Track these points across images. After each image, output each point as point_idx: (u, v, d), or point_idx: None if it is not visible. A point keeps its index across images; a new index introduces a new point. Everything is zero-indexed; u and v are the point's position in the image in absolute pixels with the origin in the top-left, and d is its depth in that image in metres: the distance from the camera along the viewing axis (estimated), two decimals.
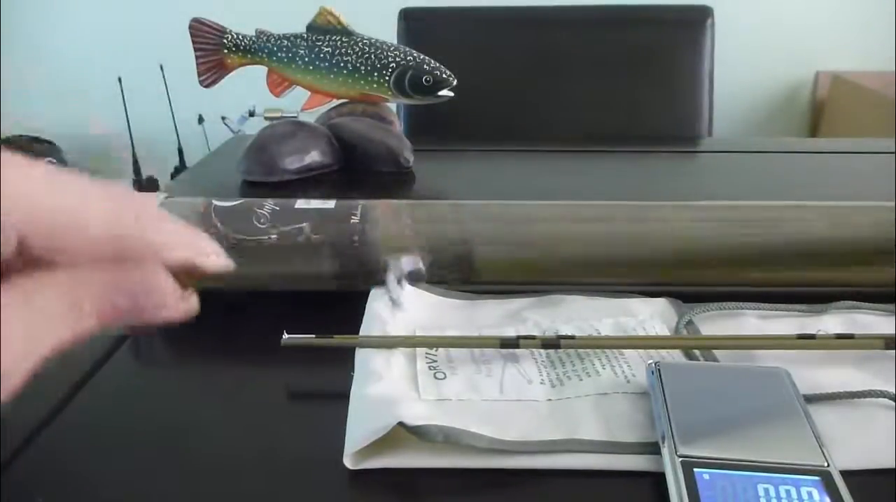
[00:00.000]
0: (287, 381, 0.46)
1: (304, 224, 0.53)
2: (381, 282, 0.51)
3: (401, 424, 0.38)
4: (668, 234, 0.54)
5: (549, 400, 0.43)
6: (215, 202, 0.55)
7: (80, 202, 0.22)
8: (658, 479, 0.37)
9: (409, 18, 1.36)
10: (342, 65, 0.82)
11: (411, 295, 0.52)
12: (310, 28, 0.84)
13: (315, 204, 0.55)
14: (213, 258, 0.26)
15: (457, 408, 0.42)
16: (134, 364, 0.50)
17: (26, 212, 0.21)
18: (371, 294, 0.52)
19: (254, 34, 0.85)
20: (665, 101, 1.35)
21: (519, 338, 0.47)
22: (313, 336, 0.46)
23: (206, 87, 0.87)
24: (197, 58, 0.86)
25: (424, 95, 0.82)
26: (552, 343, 0.46)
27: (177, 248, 0.25)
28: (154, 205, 0.24)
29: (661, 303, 0.52)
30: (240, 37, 0.85)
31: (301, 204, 0.55)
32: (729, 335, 0.49)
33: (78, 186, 0.22)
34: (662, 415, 0.39)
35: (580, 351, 0.47)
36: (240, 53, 0.85)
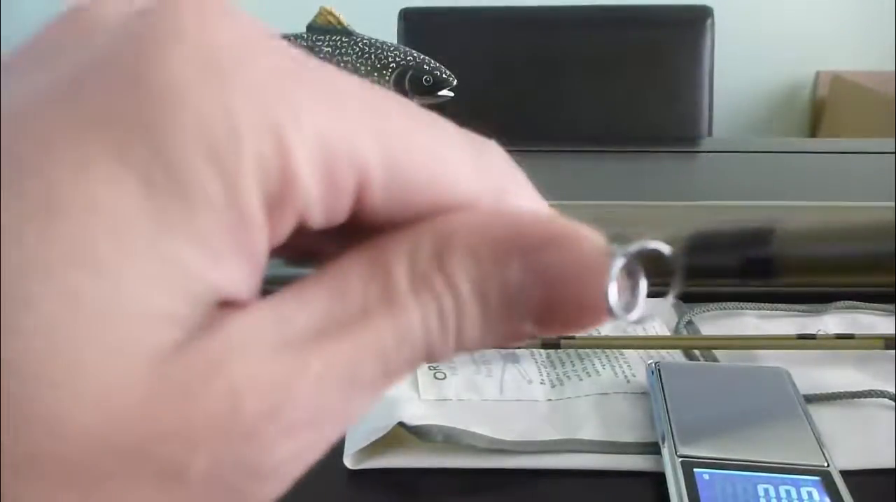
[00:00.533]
0: None
1: None
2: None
3: (401, 424, 0.38)
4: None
5: (549, 400, 0.43)
6: None
7: (439, 133, 0.15)
8: (658, 479, 0.37)
9: (409, 19, 1.36)
10: (342, 65, 0.82)
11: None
12: (310, 28, 0.84)
13: None
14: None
15: (457, 408, 0.42)
16: None
17: (385, 158, 0.13)
18: None
19: None
20: (665, 101, 1.35)
21: None
22: None
23: None
24: None
25: (424, 95, 0.82)
26: (552, 343, 0.46)
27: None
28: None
29: (661, 303, 0.52)
30: None
31: None
32: (729, 335, 0.49)
33: (423, 112, 0.15)
34: (662, 415, 0.39)
35: (580, 351, 0.47)
36: None
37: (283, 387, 0.12)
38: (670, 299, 0.15)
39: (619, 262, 0.14)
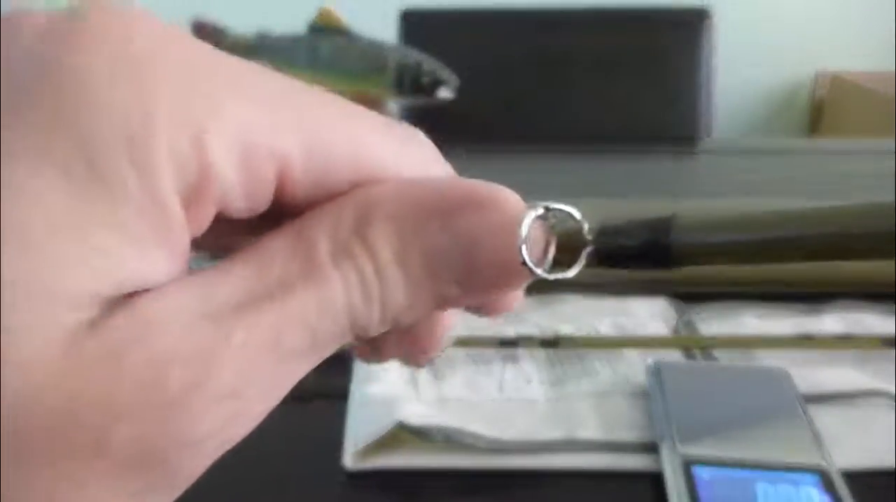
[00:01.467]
0: None
1: None
2: None
3: (401, 424, 0.38)
4: None
5: (549, 399, 0.43)
6: None
7: (360, 121, 0.15)
8: (657, 479, 0.37)
9: (409, 19, 1.36)
10: (342, 65, 0.82)
11: None
12: (310, 28, 0.84)
13: None
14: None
15: (456, 408, 0.42)
16: None
17: (304, 144, 0.14)
18: None
19: (254, 35, 0.85)
20: (665, 102, 1.35)
21: (518, 337, 0.47)
22: None
23: None
24: None
25: (424, 95, 0.82)
26: (552, 342, 0.46)
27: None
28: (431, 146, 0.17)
29: (661, 303, 0.52)
30: (241, 37, 0.85)
31: None
32: (729, 335, 0.49)
33: (345, 105, 0.15)
34: (662, 415, 0.39)
35: (580, 350, 0.47)
36: (240, 54, 0.85)
37: (206, 357, 0.13)
38: (575, 270, 0.16)
39: (530, 217, 0.15)
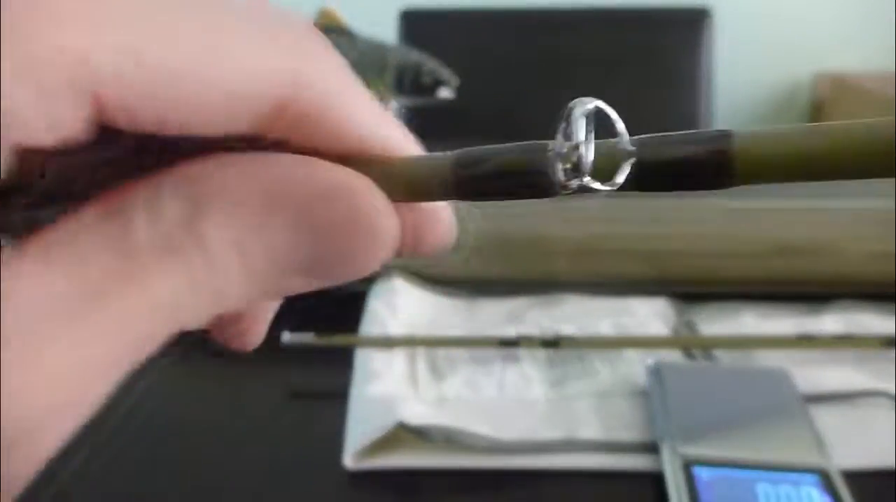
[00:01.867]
0: (287, 381, 0.46)
1: None
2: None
3: (401, 424, 0.38)
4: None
5: (549, 399, 0.43)
6: None
7: (217, 35, 0.13)
8: (657, 479, 0.37)
9: (409, 19, 1.36)
10: None
11: (413, 293, 0.52)
12: None
13: None
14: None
15: (456, 408, 0.42)
16: None
17: (120, 52, 0.11)
18: (371, 292, 0.52)
19: None
20: (665, 102, 1.35)
21: (519, 337, 0.47)
22: (313, 335, 0.46)
23: None
24: None
25: (424, 96, 0.82)
26: (552, 343, 0.46)
27: (381, 137, 0.15)
28: (329, 47, 0.14)
29: (661, 303, 0.52)
30: None
31: None
32: (729, 335, 0.49)
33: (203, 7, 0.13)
34: (662, 415, 0.39)
35: (580, 350, 0.47)
36: None
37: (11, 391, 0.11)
38: (619, 178, 0.14)
39: (580, 111, 0.14)
